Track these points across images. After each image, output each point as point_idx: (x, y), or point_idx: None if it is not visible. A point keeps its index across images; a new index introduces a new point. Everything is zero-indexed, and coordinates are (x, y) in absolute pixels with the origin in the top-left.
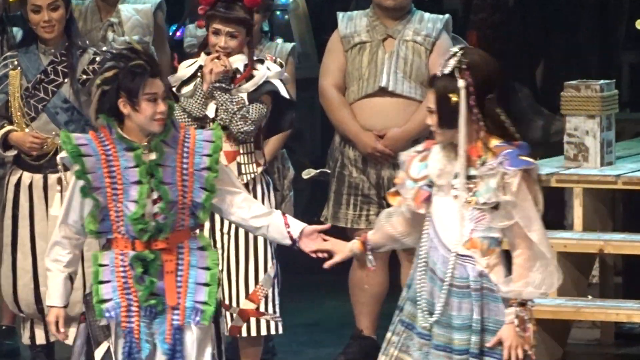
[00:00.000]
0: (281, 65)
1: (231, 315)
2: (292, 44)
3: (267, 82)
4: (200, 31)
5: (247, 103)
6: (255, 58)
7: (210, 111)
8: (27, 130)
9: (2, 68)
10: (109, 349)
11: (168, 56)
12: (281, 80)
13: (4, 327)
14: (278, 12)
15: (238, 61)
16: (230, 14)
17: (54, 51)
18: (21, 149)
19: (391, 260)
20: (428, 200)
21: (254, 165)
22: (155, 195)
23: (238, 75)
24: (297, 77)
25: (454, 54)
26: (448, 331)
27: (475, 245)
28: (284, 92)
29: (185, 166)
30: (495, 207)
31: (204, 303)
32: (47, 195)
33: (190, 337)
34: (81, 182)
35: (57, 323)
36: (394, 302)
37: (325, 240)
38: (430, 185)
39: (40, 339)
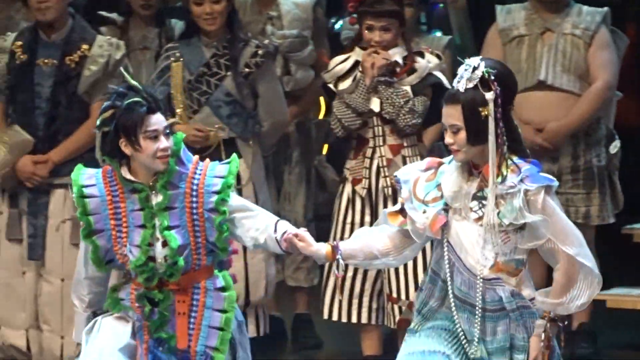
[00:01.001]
0: (438, 57)
1: (399, 308)
2: (449, 36)
3: (430, 74)
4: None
5: (412, 96)
6: (415, 51)
7: (375, 105)
8: (190, 122)
9: (164, 60)
10: None
11: (327, 51)
12: (442, 72)
13: None
14: (439, 4)
15: (396, 54)
16: (381, 7)
17: (216, 44)
18: (184, 142)
19: None
20: (445, 225)
21: (418, 157)
22: (162, 239)
23: (398, 69)
24: (456, 71)
25: (478, 66)
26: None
27: (501, 269)
28: (447, 84)
29: (194, 205)
30: (522, 227)
31: (215, 349)
32: None
33: None
34: (81, 225)
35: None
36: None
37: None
38: (446, 209)
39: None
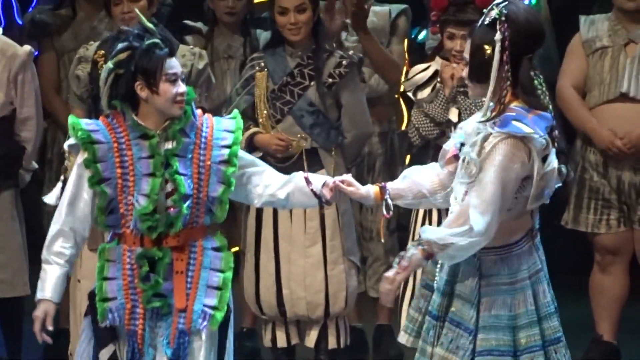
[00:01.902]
0: None
1: None
2: None
3: None
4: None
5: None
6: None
7: (453, 116)
8: (272, 132)
9: (249, 69)
10: (114, 351)
11: (403, 62)
12: None
13: (245, 330)
14: None
15: None
16: (464, 16)
17: (300, 54)
18: (267, 151)
19: (633, 263)
20: (456, 158)
21: None
22: (169, 188)
23: None
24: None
25: (498, 4)
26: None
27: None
28: None
29: (202, 158)
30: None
31: (214, 307)
32: None
33: (197, 343)
34: (89, 172)
35: (44, 320)
36: (636, 306)
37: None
38: (463, 144)
39: (281, 342)
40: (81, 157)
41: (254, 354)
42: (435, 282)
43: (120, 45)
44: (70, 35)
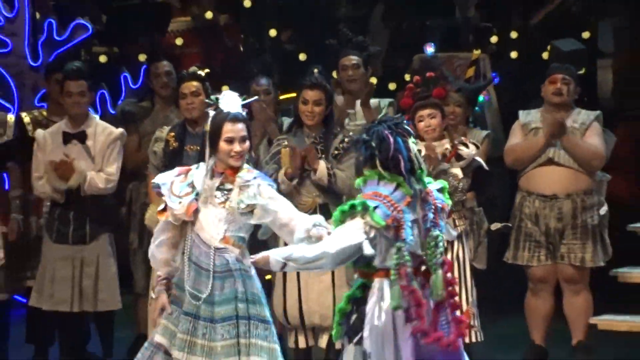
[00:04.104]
0: (476, 146)
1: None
2: (488, 131)
3: (473, 159)
4: None
5: (461, 176)
6: (456, 141)
7: None
8: (295, 197)
9: (275, 147)
10: None
11: None
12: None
13: None
14: (477, 108)
15: (445, 144)
16: (427, 102)
17: (314, 135)
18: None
19: (556, 289)
20: (196, 211)
21: (463, 219)
22: None
23: (447, 155)
24: (490, 156)
25: None
26: (211, 307)
27: (228, 242)
28: (485, 167)
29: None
30: (251, 211)
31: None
32: None
33: None
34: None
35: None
36: (559, 320)
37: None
38: (197, 198)
39: (301, 344)
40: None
41: (282, 353)
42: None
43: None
44: (150, 122)
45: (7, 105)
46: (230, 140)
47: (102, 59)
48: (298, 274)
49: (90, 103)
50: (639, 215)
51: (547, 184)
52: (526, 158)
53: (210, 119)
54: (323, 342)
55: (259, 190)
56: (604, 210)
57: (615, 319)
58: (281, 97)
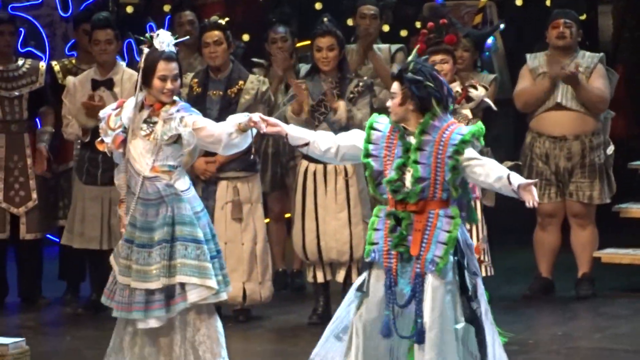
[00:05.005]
0: (485, 88)
1: None
2: (495, 75)
3: (482, 100)
4: None
5: (471, 117)
6: (467, 84)
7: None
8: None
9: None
10: (364, 279)
11: None
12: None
13: (295, 270)
14: (486, 53)
15: (457, 87)
16: (439, 47)
17: (330, 79)
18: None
19: (564, 224)
20: (124, 142)
21: None
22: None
23: (457, 97)
24: (496, 97)
25: None
26: (147, 233)
27: (157, 170)
28: (494, 107)
29: (439, 152)
30: (175, 141)
31: (440, 257)
32: (326, 179)
33: (428, 282)
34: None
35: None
36: (565, 254)
37: None
38: (125, 131)
39: (320, 278)
40: None
41: (301, 287)
42: None
43: None
44: None
45: (39, 54)
46: (163, 78)
47: (129, 9)
48: (316, 212)
49: (117, 51)
50: (636, 153)
51: (557, 127)
52: (535, 101)
53: (144, 56)
54: (340, 276)
55: (181, 121)
56: (610, 149)
57: (617, 252)
58: (298, 45)
